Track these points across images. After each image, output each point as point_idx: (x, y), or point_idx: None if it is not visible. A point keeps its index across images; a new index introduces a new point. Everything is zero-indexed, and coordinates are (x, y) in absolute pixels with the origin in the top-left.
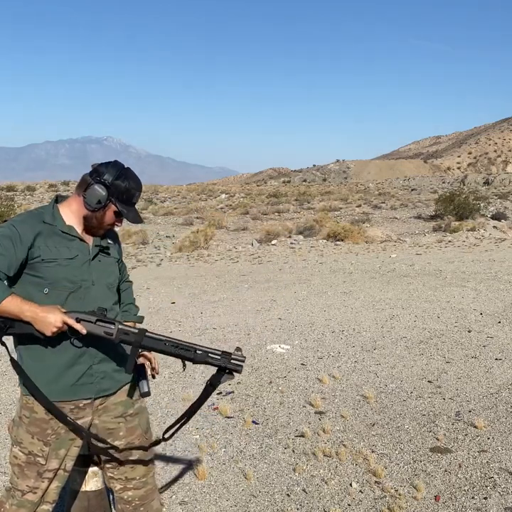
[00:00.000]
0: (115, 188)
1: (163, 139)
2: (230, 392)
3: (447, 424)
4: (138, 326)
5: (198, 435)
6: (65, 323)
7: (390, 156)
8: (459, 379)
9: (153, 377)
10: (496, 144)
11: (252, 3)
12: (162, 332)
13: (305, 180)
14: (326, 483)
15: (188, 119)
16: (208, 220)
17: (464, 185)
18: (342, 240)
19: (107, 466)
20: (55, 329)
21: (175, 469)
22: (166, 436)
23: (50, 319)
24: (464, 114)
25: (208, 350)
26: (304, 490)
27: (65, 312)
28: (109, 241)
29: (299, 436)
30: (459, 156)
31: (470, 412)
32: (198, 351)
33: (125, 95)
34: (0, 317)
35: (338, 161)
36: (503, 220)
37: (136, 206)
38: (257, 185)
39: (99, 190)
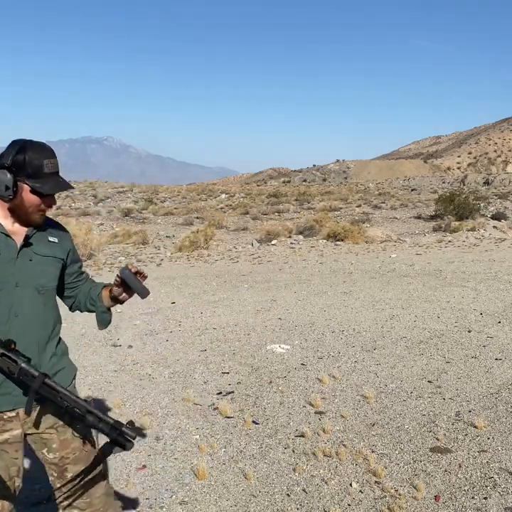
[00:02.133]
0: (16, 166)
1: (163, 139)
2: (230, 392)
3: (447, 424)
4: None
5: (198, 435)
6: None
7: (390, 156)
8: (459, 379)
9: (145, 277)
10: (496, 144)
11: (252, 4)
12: (162, 332)
13: (305, 180)
14: (326, 483)
15: (188, 119)
16: (207, 220)
17: (464, 185)
18: (342, 240)
19: (53, 473)
20: None
21: (175, 469)
22: (45, 502)
23: None
24: (464, 114)
25: (101, 417)
26: (304, 490)
27: None
28: (52, 238)
29: (299, 436)
30: (459, 156)
31: (470, 412)
32: (90, 414)
33: (125, 95)
34: None
35: (338, 161)
36: (503, 220)
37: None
38: (257, 185)
39: (2, 176)
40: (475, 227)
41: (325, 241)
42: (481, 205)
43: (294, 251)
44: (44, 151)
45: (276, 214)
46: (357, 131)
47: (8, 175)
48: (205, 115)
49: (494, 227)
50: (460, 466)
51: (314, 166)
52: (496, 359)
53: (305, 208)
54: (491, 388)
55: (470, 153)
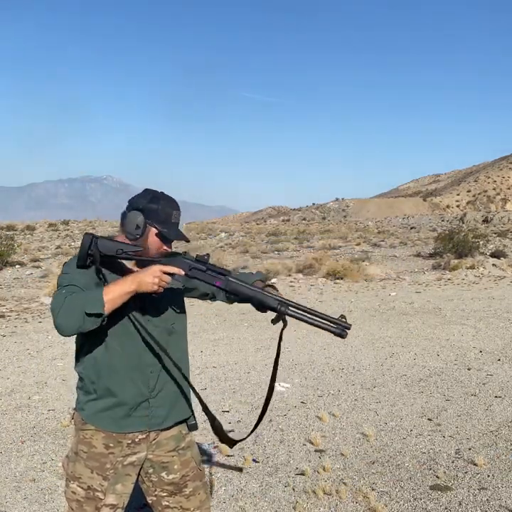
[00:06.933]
0: (148, 211)
1: (162, 179)
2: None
3: (447, 461)
4: None
5: None
6: None
7: (389, 194)
8: (458, 417)
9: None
10: (495, 181)
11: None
12: None
13: (304, 219)
14: None
15: (187, 159)
16: None
17: (463, 223)
18: (341, 278)
19: (162, 494)
20: None
21: None
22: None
23: None
24: (463, 152)
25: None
26: None
27: None
28: None
29: (299, 474)
30: (458, 194)
31: (470, 449)
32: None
33: (124, 135)
34: None
35: (337, 199)
36: (502, 258)
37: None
38: (257, 224)
39: (135, 216)
40: (474, 265)
41: (324, 279)
42: (480, 243)
43: (293, 289)
44: (173, 203)
45: (275, 252)
46: (356, 169)
47: (141, 216)
48: (204, 155)
49: (493, 264)
50: (460, 504)
51: (313, 204)
52: (496, 397)
53: (304, 247)
54: (490, 426)
55: (469, 191)
